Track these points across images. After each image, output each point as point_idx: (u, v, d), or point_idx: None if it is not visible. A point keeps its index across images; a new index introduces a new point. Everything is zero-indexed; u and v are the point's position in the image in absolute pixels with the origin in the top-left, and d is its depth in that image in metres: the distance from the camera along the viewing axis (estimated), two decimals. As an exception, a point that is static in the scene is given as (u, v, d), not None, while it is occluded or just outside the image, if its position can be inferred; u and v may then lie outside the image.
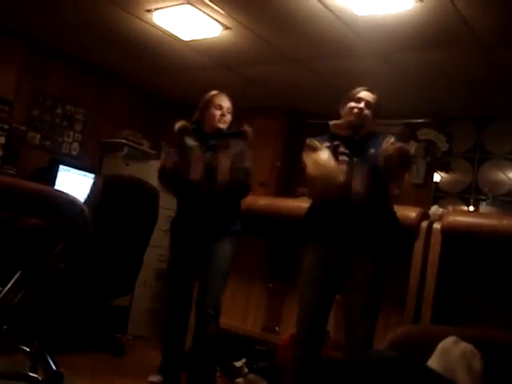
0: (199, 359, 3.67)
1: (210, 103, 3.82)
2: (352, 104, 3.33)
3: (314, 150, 3.19)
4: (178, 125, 3.81)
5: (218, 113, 3.79)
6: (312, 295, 3.24)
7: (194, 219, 3.73)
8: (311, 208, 3.36)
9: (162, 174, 3.80)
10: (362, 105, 3.32)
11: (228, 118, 3.83)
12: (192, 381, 3.66)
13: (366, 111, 3.31)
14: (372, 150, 3.19)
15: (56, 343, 3.47)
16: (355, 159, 3.21)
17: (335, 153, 3.25)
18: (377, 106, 3.37)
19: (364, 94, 3.36)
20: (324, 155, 3.16)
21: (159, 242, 5.97)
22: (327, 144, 3.28)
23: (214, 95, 3.85)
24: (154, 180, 5.97)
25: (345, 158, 3.23)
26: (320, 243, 3.26)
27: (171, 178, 3.76)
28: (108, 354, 4.65)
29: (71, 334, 4.54)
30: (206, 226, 3.69)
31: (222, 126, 3.80)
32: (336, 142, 3.29)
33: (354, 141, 3.29)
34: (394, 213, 3.27)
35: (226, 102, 3.83)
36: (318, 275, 3.24)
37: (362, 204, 3.14)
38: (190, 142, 3.78)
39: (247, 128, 3.87)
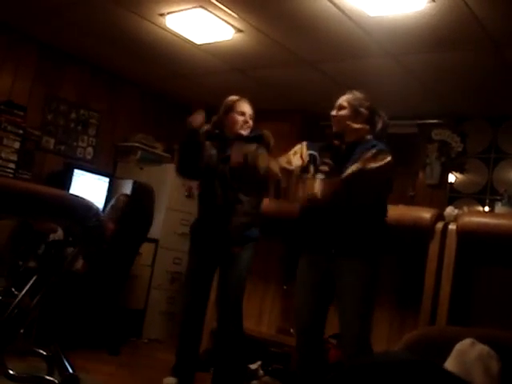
0: (223, 362, 3.71)
1: (232, 108, 3.82)
2: (332, 113, 3.35)
3: (293, 153, 3.33)
4: (204, 128, 3.84)
5: (241, 119, 3.80)
6: (306, 302, 3.22)
7: (215, 225, 3.75)
8: (298, 216, 3.35)
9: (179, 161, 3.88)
10: (334, 112, 3.32)
11: (250, 124, 3.84)
12: (218, 383, 3.70)
13: (342, 112, 3.27)
14: (348, 164, 3.08)
15: (72, 347, 3.49)
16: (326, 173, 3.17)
17: (312, 163, 3.26)
18: (357, 105, 3.26)
19: (340, 100, 3.33)
20: (285, 159, 3.31)
21: (174, 245, 6.02)
22: (313, 152, 3.30)
23: (236, 100, 3.85)
24: (168, 183, 6.05)
25: (326, 168, 3.20)
26: (308, 250, 3.27)
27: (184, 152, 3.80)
28: (124, 357, 4.67)
29: (87, 337, 4.56)
30: (227, 232, 3.72)
31: (245, 132, 3.81)
32: (320, 153, 3.29)
33: (341, 150, 3.25)
34: (380, 214, 3.18)
35: (248, 108, 3.84)
36: (308, 282, 3.23)
37: (336, 209, 3.08)
38: (208, 148, 3.81)
39: (266, 132, 3.88)
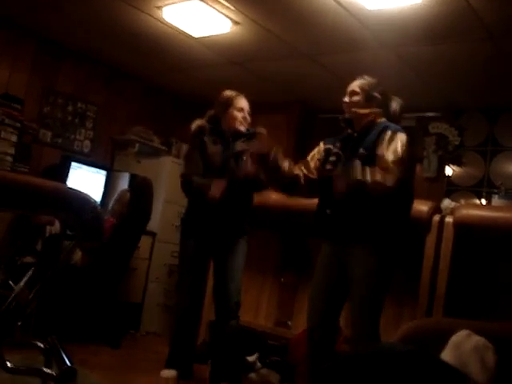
0: (222, 354, 3.73)
1: (229, 104, 3.84)
2: (344, 99, 3.32)
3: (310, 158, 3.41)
4: (195, 125, 3.84)
5: (239, 115, 3.82)
6: (321, 289, 3.22)
7: (208, 220, 3.76)
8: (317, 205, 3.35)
9: (187, 185, 3.80)
10: (346, 99, 3.28)
11: (249, 119, 3.87)
12: (216, 375, 3.71)
13: (355, 98, 3.24)
14: (361, 150, 3.08)
15: (70, 339, 3.49)
16: (340, 164, 3.15)
17: (327, 155, 3.26)
18: (369, 89, 3.24)
19: (352, 86, 3.30)
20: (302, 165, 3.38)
21: (171, 238, 6.02)
22: (328, 146, 3.30)
23: (234, 96, 3.87)
24: (165, 176, 6.05)
25: (334, 158, 3.21)
26: (326, 239, 3.26)
27: (194, 193, 3.78)
28: (122, 350, 4.68)
29: (85, 331, 4.57)
30: (221, 226, 3.73)
31: (243, 128, 3.83)
32: (335, 144, 3.29)
33: (353, 138, 3.23)
34: (399, 204, 3.12)
35: (246, 104, 3.88)
36: (326, 269, 3.23)
37: (348, 199, 3.04)
38: (210, 145, 3.79)
39: (262, 130, 3.89)
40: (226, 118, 3.84)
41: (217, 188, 3.60)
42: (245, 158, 3.64)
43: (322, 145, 3.42)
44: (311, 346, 3.24)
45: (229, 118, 3.82)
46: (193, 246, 3.82)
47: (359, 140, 3.16)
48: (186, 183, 3.79)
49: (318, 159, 3.36)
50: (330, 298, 3.19)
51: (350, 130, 3.28)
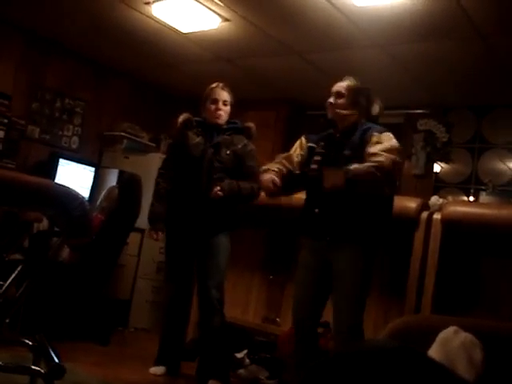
0: (208, 351, 3.73)
1: (207, 97, 3.87)
2: (329, 100, 3.29)
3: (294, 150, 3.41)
4: (181, 118, 3.84)
5: (212, 107, 3.81)
6: (305, 286, 3.23)
7: (190, 214, 3.76)
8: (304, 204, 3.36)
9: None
10: (331, 100, 3.27)
11: (225, 110, 3.84)
12: (203, 372, 3.71)
13: (340, 101, 3.23)
14: (347, 151, 3.10)
15: (58, 337, 3.48)
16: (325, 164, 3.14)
17: (311, 154, 3.26)
18: (355, 93, 3.22)
19: (334, 87, 3.28)
20: (286, 159, 3.38)
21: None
22: (311, 144, 3.30)
23: (210, 89, 3.88)
24: (153, 173, 5.98)
25: (319, 158, 3.21)
26: (312, 237, 3.26)
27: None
28: (110, 346, 4.66)
29: (73, 328, 4.55)
30: (203, 221, 3.72)
31: (219, 120, 3.82)
32: (318, 143, 3.29)
33: (335, 138, 3.24)
34: (384, 203, 3.16)
35: (221, 95, 3.84)
36: (310, 265, 3.23)
37: (337, 196, 3.05)
38: (193, 137, 3.80)
39: (251, 125, 3.89)
40: (204, 110, 3.87)
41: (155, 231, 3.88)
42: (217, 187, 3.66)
43: (303, 140, 3.40)
44: (297, 340, 3.25)
45: (206, 111, 3.86)
46: (175, 243, 3.86)
47: (342, 141, 3.18)
48: (155, 191, 3.99)
49: (301, 155, 3.36)
50: (314, 293, 3.20)
51: (332, 130, 3.29)
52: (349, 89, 3.24)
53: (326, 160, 3.16)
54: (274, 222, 4.56)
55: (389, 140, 3.04)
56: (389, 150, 2.98)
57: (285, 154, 3.45)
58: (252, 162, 3.80)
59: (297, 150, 3.41)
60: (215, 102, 3.81)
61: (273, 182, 3.22)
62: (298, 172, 3.35)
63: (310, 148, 3.32)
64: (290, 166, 3.36)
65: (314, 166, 3.19)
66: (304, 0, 4.25)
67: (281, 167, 3.34)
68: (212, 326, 3.69)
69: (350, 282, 3.06)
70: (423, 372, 1.24)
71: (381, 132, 3.09)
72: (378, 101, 3.33)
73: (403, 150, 3.01)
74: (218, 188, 3.62)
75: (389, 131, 3.10)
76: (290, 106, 6.70)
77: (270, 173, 3.28)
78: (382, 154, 2.96)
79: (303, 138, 3.42)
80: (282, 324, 4.37)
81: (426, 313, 3.36)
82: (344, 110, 3.22)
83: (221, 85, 3.87)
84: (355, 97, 3.23)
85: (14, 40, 5.83)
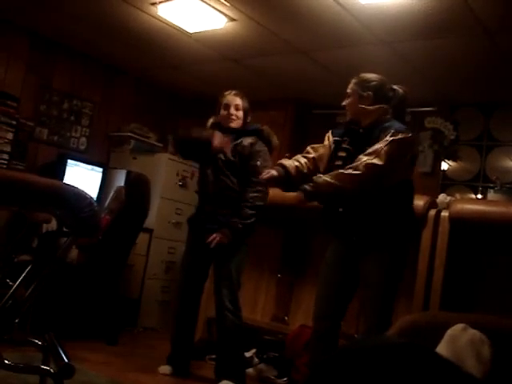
0: (222, 351, 3.75)
1: (219, 104, 3.93)
2: (342, 103, 3.31)
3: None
4: (209, 122, 4.00)
5: (224, 113, 3.86)
6: (328, 284, 3.21)
7: (212, 217, 3.79)
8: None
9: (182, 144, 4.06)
10: (344, 102, 3.27)
11: (237, 115, 3.88)
12: (220, 372, 3.73)
13: (347, 101, 3.23)
14: (367, 148, 3.03)
15: (67, 337, 3.50)
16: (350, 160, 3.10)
17: (336, 149, 3.24)
18: (358, 89, 3.19)
19: (347, 89, 3.27)
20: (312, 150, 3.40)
21: (168, 234, 6.03)
22: (337, 138, 3.28)
23: (222, 96, 3.95)
24: (161, 173, 6.04)
25: (343, 154, 3.17)
26: (337, 236, 3.24)
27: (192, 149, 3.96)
28: (119, 346, 4.68)
29: (82, 327, 4.57)
30: (219, 222, 3.75)
31: (232, 124, 3.86)
32: (344, 138, 3.26)
33: (359, 134, 3.20)
34: (404, 206, 3.15)
35: (233, 100, 3.89)
36: (336, 264, 3.21)
37: (359, 202, 3.05)
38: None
39: (263, 127, 3.91)
40: (219, 117, 3.94)
41: (218, 138, 3.79)
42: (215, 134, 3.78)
43: (330, 135, 3.36)
44: (315, 338, 3.23)
45: (220, 118, 3.93)
46: (195, 246, 3.90)
47: (365, 137, 3.12)
48: (182, 142, 4.00)
49: (328, 147, 3.32)
50: (338, 292, 3.18)
51: (355, 127, 3.24)
52: (352, 87, 3.24)
53: (350, 156, 3.13)
54: (284, 222, 4.57)
55: (381, 142, 2.97)
56: (371, 153, 2.95)
57: (315, 146, 3.43)
58: (256, 161, 3.78)
59: (325, 145, 3.36)
60: (227, 107, 3.87)
61: (271, 177, 3.28)
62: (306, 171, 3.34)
63: (335, 142, 3.28)
64: (314, 159, 3.36)
65: (338, 163, 3.17)
66: (310, -1, 4.26)
67: (297, 163, 3.35)
68: (225, 326, 3.72)
69: (380, 285, 3.04)
70: (431, 368, 1.25)
71: (395, 132, 3.00)
72: (398, 87, 3.32)
73: (400, 152, 2.94)
74: (218, 239, 3.67)
75: (401, 132, 3.01)
76: (297, 105, 6.69)
77: (274, 168, 3.33)
78: (361, 159, 2.96)
79: (330, 133, 3.37)
80: (291, 323, 4.38)
81: (434, 310, 3.36)
82: (353, 109, 3.22)
83: (233, 92, 3.93)
84: (358, 92, 3.20)
85: (21, 42, 5.85)
